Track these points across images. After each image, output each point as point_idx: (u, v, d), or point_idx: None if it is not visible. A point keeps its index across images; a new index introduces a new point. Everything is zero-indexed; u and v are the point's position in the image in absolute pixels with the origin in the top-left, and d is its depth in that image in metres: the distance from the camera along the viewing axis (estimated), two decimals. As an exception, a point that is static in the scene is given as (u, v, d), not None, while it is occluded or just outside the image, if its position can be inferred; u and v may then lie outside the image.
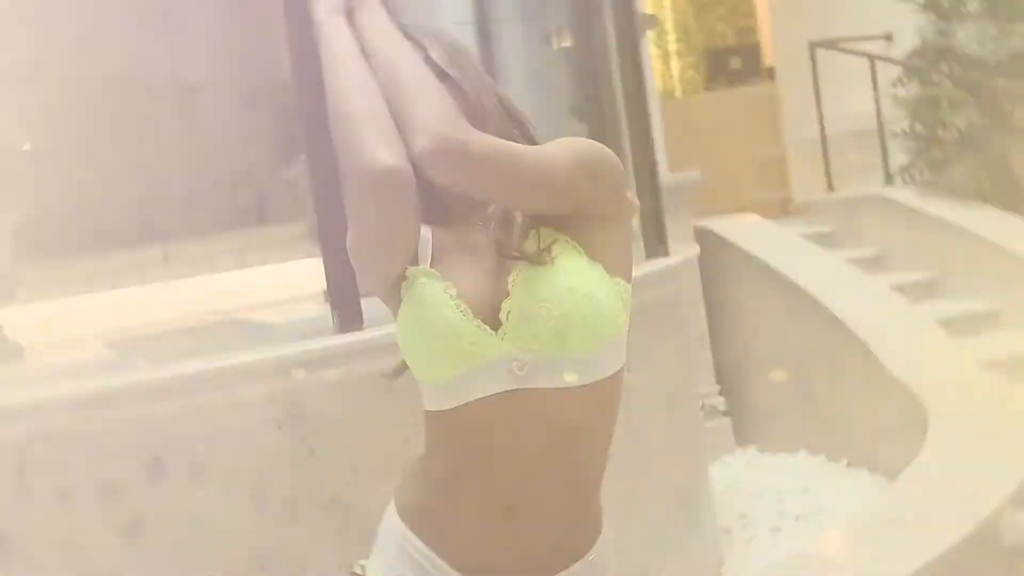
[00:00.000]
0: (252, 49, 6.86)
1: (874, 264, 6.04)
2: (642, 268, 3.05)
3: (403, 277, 1.33)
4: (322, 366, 2.57)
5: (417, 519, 1.39)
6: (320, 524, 2.56)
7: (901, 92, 6.25)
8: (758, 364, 5.34)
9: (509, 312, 1.29)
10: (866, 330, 4.64)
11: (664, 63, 9.58)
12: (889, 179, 6.39)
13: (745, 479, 4.71)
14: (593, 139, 1.40)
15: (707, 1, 9.73)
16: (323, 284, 2.78)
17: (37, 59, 6.20)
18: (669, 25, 9.53)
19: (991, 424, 3.64)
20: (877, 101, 6.46)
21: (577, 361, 1.29)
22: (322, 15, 1.33)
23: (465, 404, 1.30)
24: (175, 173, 6.49)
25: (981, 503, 3.01)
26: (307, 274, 5.40)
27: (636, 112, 3.61)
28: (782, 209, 7.70)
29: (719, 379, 5.36)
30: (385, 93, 1.27)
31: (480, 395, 1.29)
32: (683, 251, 3.79)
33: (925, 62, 6.23)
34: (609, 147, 1.40)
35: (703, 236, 5.44)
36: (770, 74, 8.48)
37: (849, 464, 4.74)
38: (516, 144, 1.31)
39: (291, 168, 4.52)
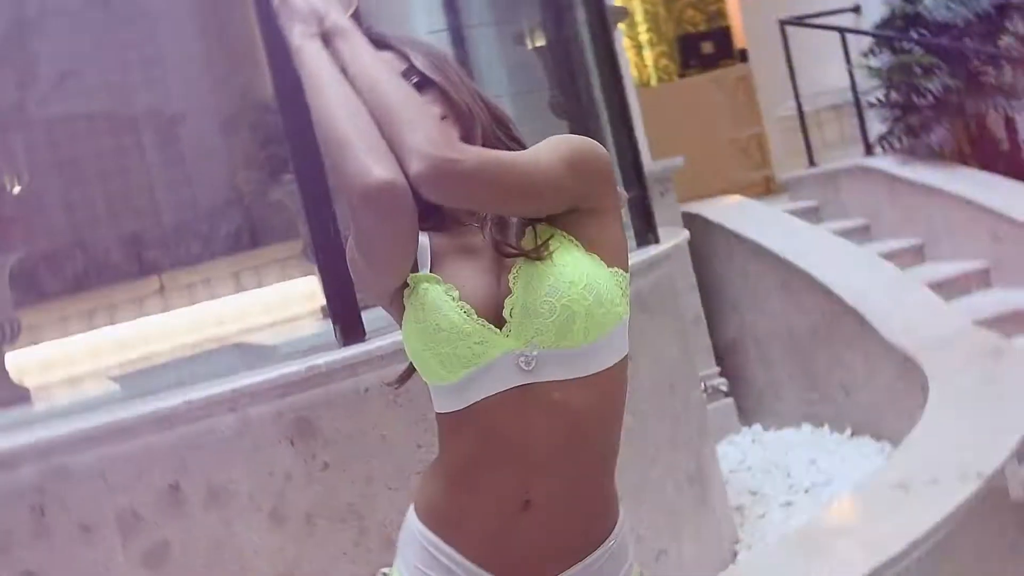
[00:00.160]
0: (228, 74, 6.87)
1: (861, 234, 6.06)
2: (634, 256, 3.08)
3: (405, 284, 1.35)
4: (329, 380, 2.57)
5: (437, 520, 1.41)
6: (339, 536, 2.57)
7: (873, 62, 6.26)
8: (756, 343, 5.36)
9: (512, 309, 1.31)
10: (859, 299, 4.65)
11: (637, 54, 9.60)
12: (869, 149, 6.40)
13: (752, 457, 4.70)
14: (575, 134, 1.43)
15: (675, -12, 9.78)
16: (320, 301, 2.79)
17: (19, 101, 6.21)
18: (639, 16, 9.56)
19: (990, 381, 3.63)
20: (850, 73, 6.49)
21: (582, 352, 1.31)
22: (298, 41, 1.34)
23: (475, 403, 1.32)
24: (163, 203, 6.50)
25: (986, 460, 3.00)
26: (304, 292, 5.45)
27: (615, 104, 3.62)
28: (766, 188, 7.75)
29: (719, 360, 5.36)
30: (375, 119, 1.28)
31: (490, 393, 1.31)
32: (673, 237, 3.80)
33: (894, 30, 6.25)
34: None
35: (691, 221, 5.45)
36: (742, 56, 8.50)
37: (853, 433, 4.75)
38: (506, 153, 1.32)
39: (278, 188, 4.54)
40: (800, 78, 6.77)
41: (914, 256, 5.80)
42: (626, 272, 1.38)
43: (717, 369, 5.30)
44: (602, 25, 3.60)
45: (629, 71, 6.71)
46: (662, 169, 5.25)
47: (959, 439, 3.23)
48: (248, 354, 3.77)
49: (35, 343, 4.40)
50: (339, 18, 1.35)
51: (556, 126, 4.01)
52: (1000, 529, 3.34)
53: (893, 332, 4.34)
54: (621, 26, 6.59)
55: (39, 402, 3.64)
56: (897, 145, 6.22)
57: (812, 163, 6.78)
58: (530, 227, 1.36)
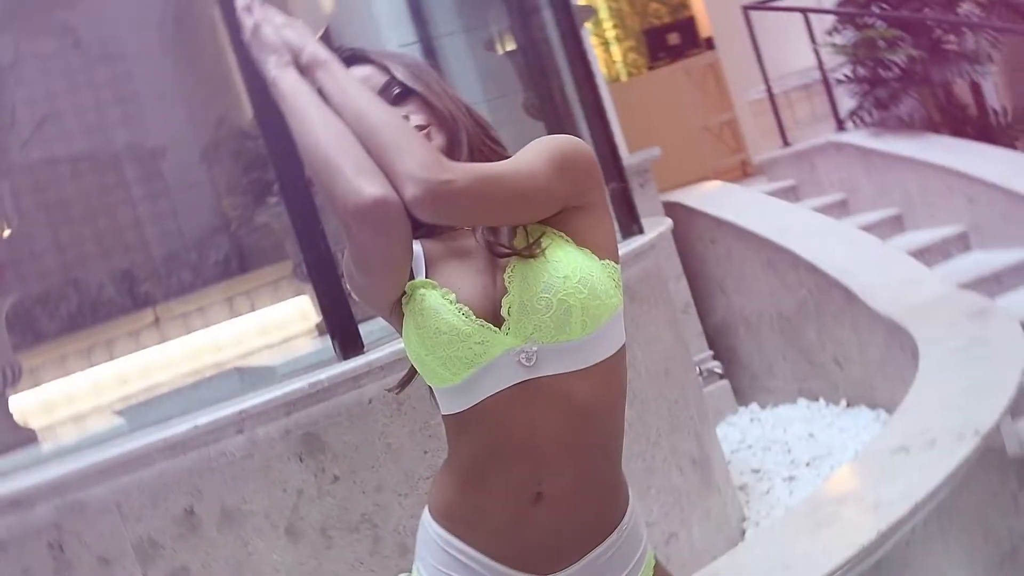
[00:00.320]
0: (204, 104, 6.90)
1: (840, 208, 6.11)
2: (620, 248, 3.09)
3: (403, 293, 1.37)
4: (332, 394, 2.58)
5: (452, 519, 1.42)
6: (355, 546, 2.59)
7: (838, 40, 6.30)
8: (746, 324, 5.38)
9: (510, 307, 1.33)
10: (843, 273, 4.67)
11: (605, 50, 9.64)
12: (840, 125, 6.45)
13: (752, 435, 4.71)
14: (552, 133, 1.46)
15: (637, -17, 9.82)
16: (315, 319, 2.80)
17: (2, 147, 6.22)
18: (604, 13, 9.59)
19: (978, 341, 3.63)
20: (816, 52, 6.53)
21: (581, 344, 1.34)
22: (273, 72, 1.35)
23: (480, 402, 1.34)
24: (152, 237, 6.53)
25: (981, 418, 3.01)
26: (297, 312, 5.48)
27: (589, 101, 3.65)
28: (743, 171, 7.80)
29: (711, 344, 5.39)
30: (364, 146, 1.28)
31: (493, 391, 1.33)
32: (656, 226, 3.84)
33: (856, 7, 6.30)
34: (570, 139, 1.43)
35: (672, 210, 5.47)
36: (709, 44, 8.54)
37: (849, 404, 4.77)
38: (495, 166, 1.33)
39: (264, 211, 4.57)
40: (767, 61, 6.81)
41: (893, 226, 5.85)
42: (617, 263, 1.40)
43: (710, 352, 5.31)
44: (570, 25, 3.63)
45: (599, 68, 6.75)
46: (640, 161, 5.27)
47: (953, 400, 3.22)
48: (248, 377, 3.78)
49: (37, 385, 4.40)
50: (317, 49, 1.36)
51: (532, 127, 4.05)
52: (1001, 485, 3.36)
53: (879, 302, 4.35)
54: (588, 24, 6.64)
55: (46, 443, 3.64)
56: (868, 119, 6.26)
57: (786, 143, 6.82)
58: (521, 226, 1.38)
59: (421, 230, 1.39)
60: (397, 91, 1.42)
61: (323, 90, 1.33)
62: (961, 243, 5.51)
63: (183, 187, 6.76)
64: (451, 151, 1.40)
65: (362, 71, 1.45)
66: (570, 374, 1.34)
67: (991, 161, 5.54)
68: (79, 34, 6.43)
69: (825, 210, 5.93)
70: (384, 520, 2.62)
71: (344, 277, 1.45)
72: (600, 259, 1.37)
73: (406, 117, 1.39)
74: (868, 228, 5.58)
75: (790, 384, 5.16)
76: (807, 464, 4.18)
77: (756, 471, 4.24)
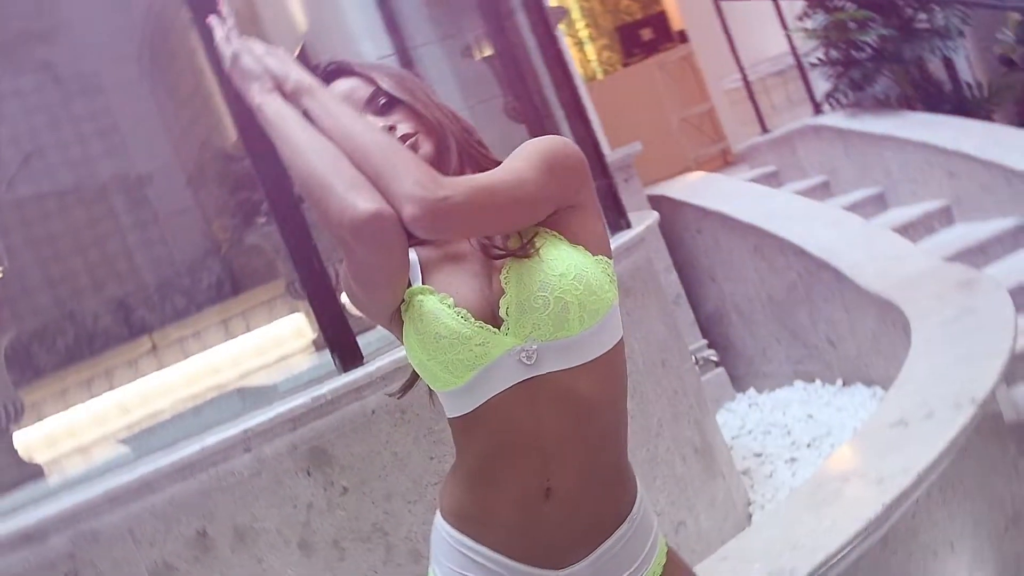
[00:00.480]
0: (186, 129, 6.92)
1: (822, 191, 6.15)
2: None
3: (402, 301, 1.38)
4: (335, 407, 2.59)
5: (465, 520, 1.44)
6: (368, 556, 2.60)
7: (809, 24, 6.33)
8: (738, 311, 5.41)
9: (508, 308, 1.34)
10: (831, 254, 4.69)
11: (579, 50, 9.66)
12: (817, 108, 6.48)
13: (751, 421, 4.73)
14: (534, 136, 1.47)
15: (607, -19, 9.85)
16: (311, 336, 2.81)
17: (-13, 186, 6.23)
18: (576, 13, 9.61)
19: (967, 312, 3.65)
20: (788, 38, 6.58)
21: (580, 340, 1.35)
22: (258, 99, 1.36)
23: (485, 402, 1.36)
24: (143, 265, 6.54)
25: (976, 387, 3.02)
26: (293, 330, 5.50)
27: (569, 101, 3.67)
28: (724, 160, 7.84)
29: (705, 333, 5.41)
30: (358, 169, 1.29)
31: (497, 391, 1.35)
32: (643, 220, 3.86)
33: (824, -10, 6.37)
34: (552, 139, 1.43)
35: (657, 203, 5.50)
36: (682, 37, 8.57)
37: (844, 383, 4.80)
38: (488, 176, 1.34)
39: (253, 232, 4.58)
40: (741, 50, 6.84)
41: (876, 205, 5.89)
42: (610, 258, 1.42)
43: (705, 342, 5.33)
44: (545, 27, 3.65)
45: (575, 68, 6.79)
46: (622, 157, 5.30)
47: (947, 371, 3.23)
48: (250, 397, 3.77)
49: (39, 419, 4.40)
50: (301, 76, 1.37)
51: (514, 131, 4.08)
52: (1000, 452, 3.38)
53: (868, 280, 4.37)
54: (561, 25, 6.67)
55: (52, 476, 3.64)
56: (844, 100, 6.30)
57: (765, 130, 6.85)
58: None
59: (415, 238, 1.39)
60: (383, 101, 1.44)
61: (311, 116, 1.34)
62: (944, 217, 5.55)
63: (171, 213, 6.77)
64: (440, 157, 1.42)
65: (347, 83, 1.46)
66: (571, 369, 1.36)
67: (968, 134, 5.57)
68: (58, 70, 6.45)
69: (808, 193, 5.96)
70: (395, 528, 2.63)
71: (343, 291, 1.47)
72: (593, 255, 1.39)
73: (393, 127, 1.41)
74: (851, 208, 5.61)
75: (785, 367, 5.18)
76: (808, 445, 4.20)
77: (758, 455, 4.25)
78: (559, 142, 1.40)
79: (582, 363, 1.37)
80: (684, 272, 5.46)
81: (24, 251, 6.29)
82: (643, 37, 9.05)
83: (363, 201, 1.26)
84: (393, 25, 4.48)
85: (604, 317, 1.37)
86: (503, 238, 1.39)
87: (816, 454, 4.09)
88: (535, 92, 3.66)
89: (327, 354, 2.83)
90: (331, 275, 2.80)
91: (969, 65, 6.80)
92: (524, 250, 1.36)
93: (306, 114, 1.34)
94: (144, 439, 3.63)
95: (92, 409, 4.79)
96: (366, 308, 1.44)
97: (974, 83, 6.46)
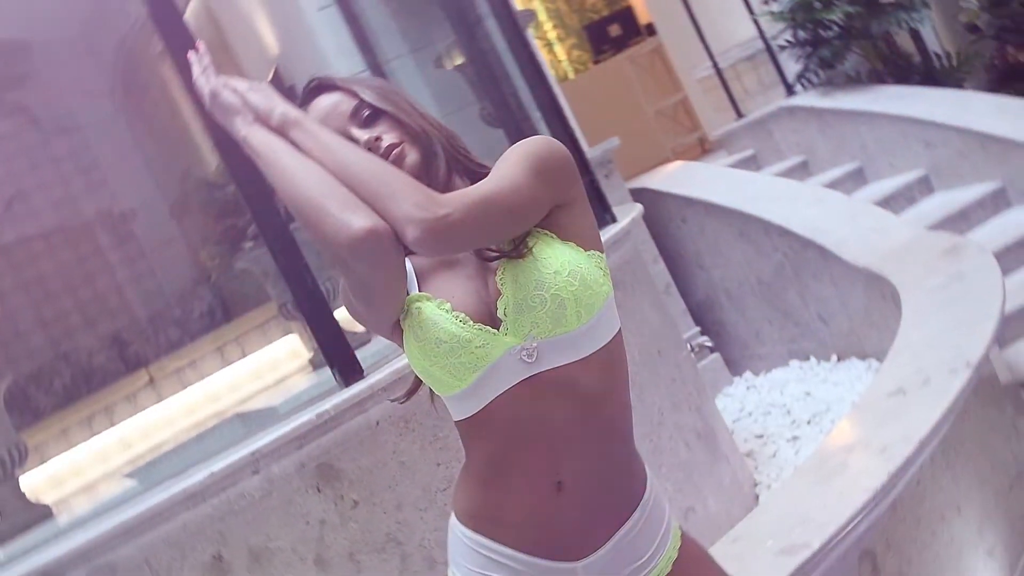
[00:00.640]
0: (167, 161, 6.92)
1: (801, 171, 6.19)
2: (597, 240, 3.13)
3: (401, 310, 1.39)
4: (340, 422, 2.60)
5: (479, 520, 1.45)
6: (384, 566, 2.60)
7: (775, 7, 6.39)
8: (728, 295, 5.43)
9: (506, 308, 1.36)
10: (815, 232, 4.72)
11: (549, 51, 9.68)
12: (790, 90, 6.53)
13: (751, 403, 4.75)
14: (512, 139, 1.51)
15: (571, -19, 9.88)
16: (306, 356, 2.81)
17: (-28, 233, 6.21)
18: (543, 15, 9.64)
19: (955, 277, 3.67)
20: (756, 23, 6.63)
21: (578, 334, 1.37)
22: (243, 132, 1.37)
23: (490, 403, 1.37)
24: (134, 299, 6.54)
25: (970, 351, 3.03)
26: (288, 351, 5.51)
27: (544, 102, 3.68)
28: (702, 149, 7.87)
29: (697, 320, 5.43)
30: (356, 195, 1.30)
31: (500, 391, 1.36)
32: (628, 213, 3.88)
33: (788, -27, 6.41)
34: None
35: (640, 195, 5.51)
36: (650, 30, 8.60)
37: (839, 358, 4.82)
38: (482, 188, 1.34)
39: (242, 257, 4.59)
40: (709, 38, 6.89)
41: (855, 180, 5.93)
42: (602, 252, 1.44)
43: (698, 329, 5.35)
44: (516, 30, 3.66)
45: (547, 69, 6.81)
46: (601, 153, 5.31)
47: (940, 337, 3.24)
48: (251, 421, 3.77)
49: (43, 461, 4.40)
50: (287, 109, 1.38)
51: (492, 136, 4.09)
52: (998, 413, 3.41)
53: (854, 254, 4.40)
54: (530, 28, 6.70)
55: (62, 515, 3.64)
56: (815, 80, 6.35)
57: (739, 115, 6.89)
58: None
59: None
60: (367, 113, 1.45)
61: (302, 148, 1.35)
62: (923, 187, 5.60)
63: (157, 246, 6.78)
64: (428, 165, 1.43)
65: (330, 98, 1.47)
66: (572, 364, 1.37)
67: (940, 103, 5.62)
68: (33, 112, 6.45)
69: (787, 174, 6.00)
70: (408, 537, 2.64)
71: (344, 306, 1.47)
72: (586, 250, 1.40)
73: (379, 137, 1.42)
74: (831, 185, 5.65)
75: (779, 348, 5.20)
76: (808, 422, 4.22)
77: (760, 436, 4.27)
78: (544, 143, 1.41)
79: (582, 357, 1.38)
80: (672, 262, 5.48)
81: (14, 295, 6.29)
82: (611, 33, 9.08)
83: (358, 219, 1.27)
84: (364, 41, 4.50)
85: (600, 310, 1.39)
86: (496, 240, 1.41)
87: (817, 430, 4.11)
88: (510, 95, 3.68)
89: (325, 372, 2.84)
90: (325, 292, 2.82)
91: (936, 35, 6.86)
92: (517, 251, 1.38)
93: (296, 146, 1.35)
94: (150, 471, 3.63)
95: (95, 446, 4.78)
96: (367, 321, 1.45)
97: (942, 53, 6.52)
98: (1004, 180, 5.20)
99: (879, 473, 2.60)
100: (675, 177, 5.91)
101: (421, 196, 1.29)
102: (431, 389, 1.47)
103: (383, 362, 2.77)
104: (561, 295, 1.35)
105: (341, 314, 2.88)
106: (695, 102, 7.75)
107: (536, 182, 1.36)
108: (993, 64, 6.75)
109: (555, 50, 9.81)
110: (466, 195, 1.32)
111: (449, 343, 1.35)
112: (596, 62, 9.25)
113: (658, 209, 5.53)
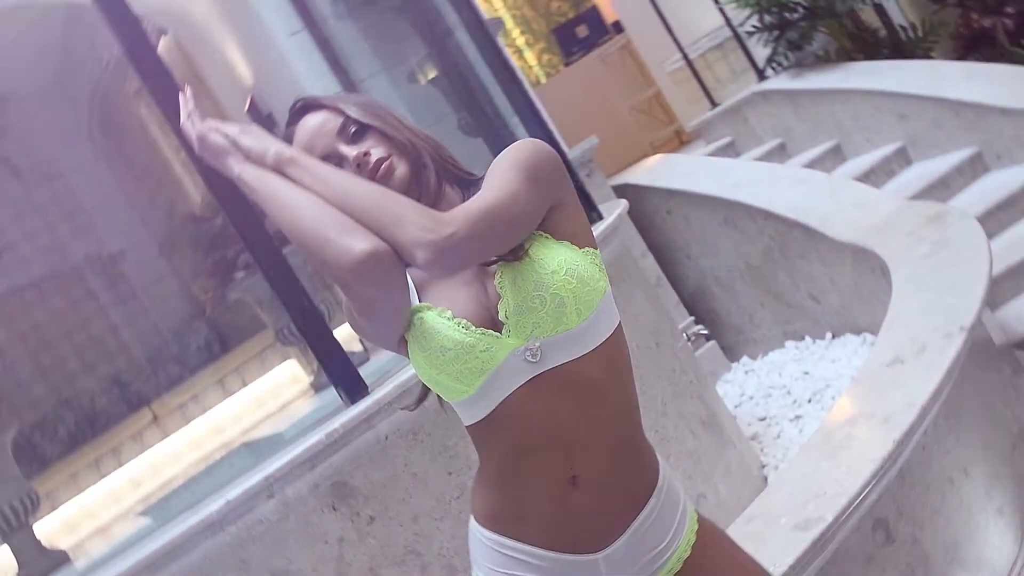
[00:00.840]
0: (151, 199, 6.92)
1: (779, 153, 6.22)
2: (586, 238, 3.14)
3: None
4: (349, 440, 2.61)
5: (497, 521, 1.47)
6: (405, 577, 2.66)
7: (739, -6, 6.47)
8: (718, 283, 5.45)
9: (507, 311, 1.38)
10: (799, 211, 4.74)
11: (519, 57, 9.71)
12: (761, 75, 6.57)
13: (750, 387, 4.77)
14: (492, 148, 1.53)
15: (534, -14, 9.91)
16: (307, 380, 2.81)
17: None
18: (510, 23, 9.67)
19: (941, 245, 3.69)
20: (722, 11, 6.68)
21: (580, 331, 1.40)
22: (236, 170, 1.39)
23: (498, 405, 1.39)
24: (130, 339, 6.54)
25: (963, 315, 3.07)
26: (288, 377, 5.52)
27: (521, 107, 3.70)
28: (679, 140, 7.90)
29: (691, 310, 5.45)
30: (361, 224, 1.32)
31: (508, 392, 1.39)
32: (613, 209, 3.91)
33: (747, -43, 6.45)
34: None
35: (623, 191, 5.54)
36: (617, 28, 8.63)
37: (834, 335, 4.84)
38: (481, 202, 1.36)
39: (234, 287, 4.60)
40: (677, 30, 6.93)
41: (834, 158, 5.97)
42: (596, 249, 1.46)
43: (692, 318, 5.36)
44: (486, 38, 3.68)
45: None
46: (581, 153, 5.34)
47: (932, 304, 3.27)
48: (259, 449, 3.77)
49: (55, 508, 4.40)
50: (281, 148, 1.40)
51: (472, 146, 4.11)
52: (996, 374, 3.44)
53: (840, 231, 4.42)
54: (499, 36, 6.73)
55: (79, 560, 3.64)
56: (785, 63, 6.39)
57: (714, 104, 6.92)
58: None
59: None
60: (354, 129, 1.47)
61: (300, 185, 1.37)
62: (902, 159, 5.63)
63: (149, 284, 6.78)
64: (418, 176, 1.45)
65: (317, 117, 1.49)
66: (575, 360, 1.40)
67: (910, 75, 5.66)
68: (13, 162, 6.46)
69: (765, 158, 6.03)
70: (427, 547, 2.65)
71: (349, 324, 1.49)
72: (580, 248, 1.42)
73: (367, 152, 1.44)
74: (811, 165, 5.69)
75: (774, 330, 5.22)
76: (809, 401, 4.23)
77: (763, 419, 4.28)
78: (533, 147, 1.43)
79: (585, 352, 1.41)
80: (660, 254, 5.50)
81: (12, 346, 6.29)
82: (579, 34, 9.09)
83: (358, 243, 1.30)
84: (337, 64, 4.52)
85: (599, 306, 1.42)
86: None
87: (819, 408, 4.13)
88: (486, 104, 3.70)
89: (327, 395, 2.84)
90: (323, 312, 2.83)
91: (900, 8, 6.91)
92: (514, 254, 1.40)
93: (295, 184, 1.37)
94: (162, 508, 3.63)
95: (105, 488, 4.79)
96: (374, 338, 1.47)
97: (908, 25, 6.57)
98: (980, 145, 5.24)
99: (884, 442, 2.62)
100: (656, 171, 5.93)
101: (426, 219, 1.31)
102: (439, 396, 1.49)
103: (386, 378, 2.78)
104: (560, 294, 1.37)
105: (340, 333, 2.90)
106: (668, 95, 7.78)
107: (532, 187, 1.38)
108: (959, 32, 6.81)
109: (525, 56, 9.84)
110: (468, 211, 1.34)
111: (453, 350, 1.37)
112: (567, 64, 9.27)
113: (642, 204, 5.55)
